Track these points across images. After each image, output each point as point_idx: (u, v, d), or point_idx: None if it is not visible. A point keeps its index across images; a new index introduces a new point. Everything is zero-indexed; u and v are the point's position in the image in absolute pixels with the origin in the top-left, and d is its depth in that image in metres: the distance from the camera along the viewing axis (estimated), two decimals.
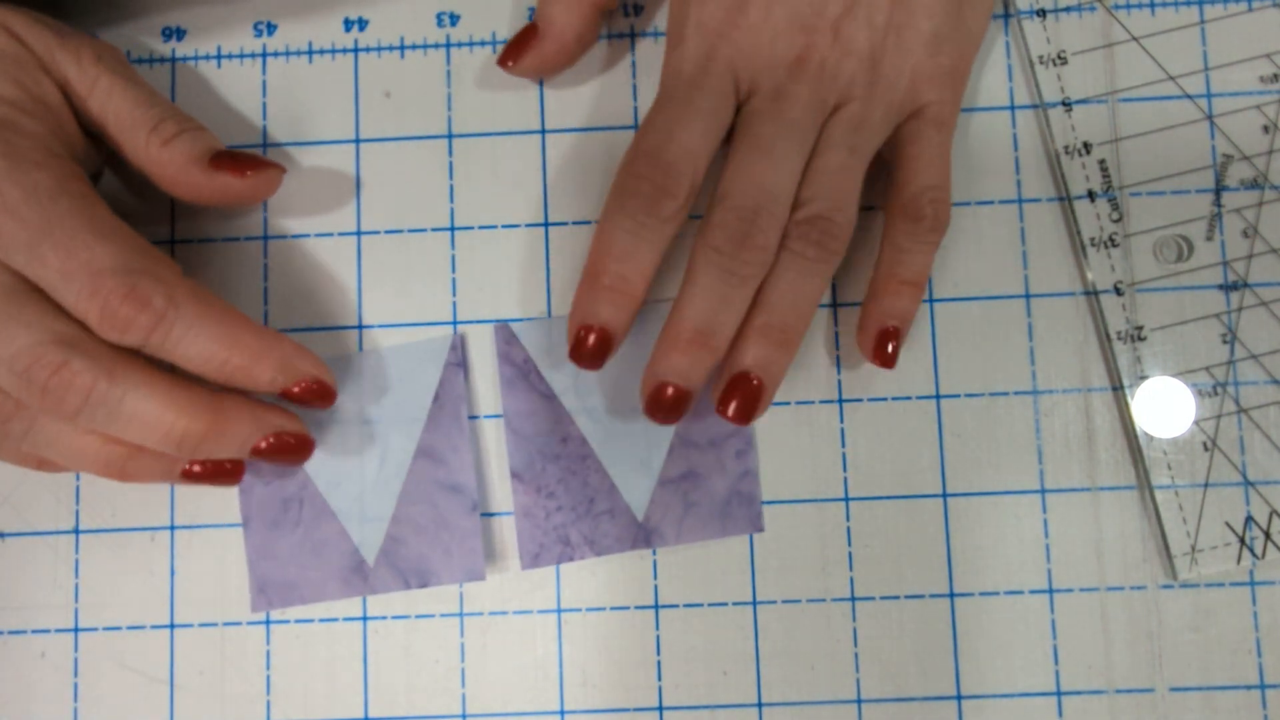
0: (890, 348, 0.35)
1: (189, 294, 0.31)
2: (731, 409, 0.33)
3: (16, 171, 0.31)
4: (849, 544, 0.37)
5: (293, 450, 0.34)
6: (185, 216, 0.38)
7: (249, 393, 0.34)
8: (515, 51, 0.37)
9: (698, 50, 0.35)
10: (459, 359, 0.37)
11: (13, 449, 0.34)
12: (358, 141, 0.38)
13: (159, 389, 0.31)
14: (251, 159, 0.35)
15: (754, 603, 0.37)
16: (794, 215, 0.34)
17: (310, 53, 0.39)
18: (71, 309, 0.30)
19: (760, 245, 0.33)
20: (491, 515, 0.37)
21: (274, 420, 0.33)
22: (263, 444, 0.33)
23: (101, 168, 0.37)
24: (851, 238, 0.34)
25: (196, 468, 0.33)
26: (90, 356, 0.30)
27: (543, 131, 0.38)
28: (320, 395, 0.34)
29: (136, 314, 0.30)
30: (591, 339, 0.33)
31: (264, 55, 0.39)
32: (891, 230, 0.35)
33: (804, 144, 0.34)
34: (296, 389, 0.33)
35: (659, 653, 0.37)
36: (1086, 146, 0.37)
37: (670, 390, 0.33)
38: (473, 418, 0.37)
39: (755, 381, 0.33)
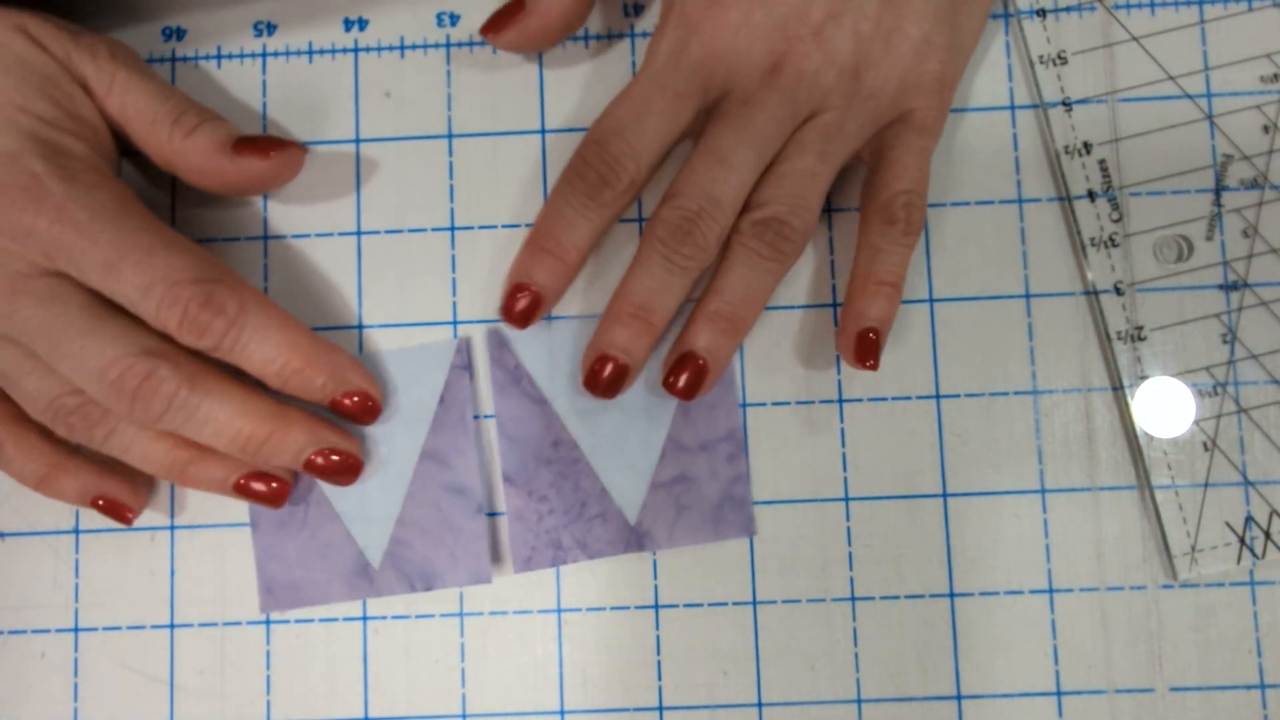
0: (870, 350, 0.35)
1: (256, 301, 0.33)
2: (680, 384, 0.35)
3: (78, 194, 0.32)
4: (849, 544, 0.37)
5: (341, 468, 0.35)
6: (185, 216, 0.38)
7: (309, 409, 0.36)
8: (499, 24, 0.37)
9: (673, 43, 0.35)
10: (465, 362, 0.37)
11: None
12: (358, 141, 0.38)
13: (232, 396, 0.33)
14: (273, 141, 0.36)
15: (754, 603, 0.37)
16: (750, 214, 0.35)
17: (310, 53, 0.39)
18: (151, 319, 0.32)
19: (699, 245, 0.34)
20: (492, 515, 0.37)
21: (330, 436, 0.35)
22: (317, 458, 0.35)
23: (120, 165, 0.37)
24: (821, 237, 0.35)
25: (248, 481, 0.35)
26: (174, 365, 0.32)
27: (543, 131, 0.38)
28: (367, 410, 0.35)
29: (213, 319, 0.32)
30: (523, 299, 0.35)
31: (264, 55, 0.39)
32: (867, 232, 0.35)
33: (764, 152, 0.34)
34: (345, 400, 0.35)
35: (659, 653, 0.37)
36: (1086, 146, 0.37)
37: (610, 365, 0.35)
38: (477, 417, 0.37)
39: (701, 362, 0.35)
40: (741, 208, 0.35)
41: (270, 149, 0.36)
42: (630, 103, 0.35)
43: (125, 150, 0.37)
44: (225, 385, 0.33)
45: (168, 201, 0.38)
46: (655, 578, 0.37)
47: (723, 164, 0.34)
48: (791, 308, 0.37)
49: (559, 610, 0.37)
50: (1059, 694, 0.36)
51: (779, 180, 0.34)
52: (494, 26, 0.37)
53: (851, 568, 0.37)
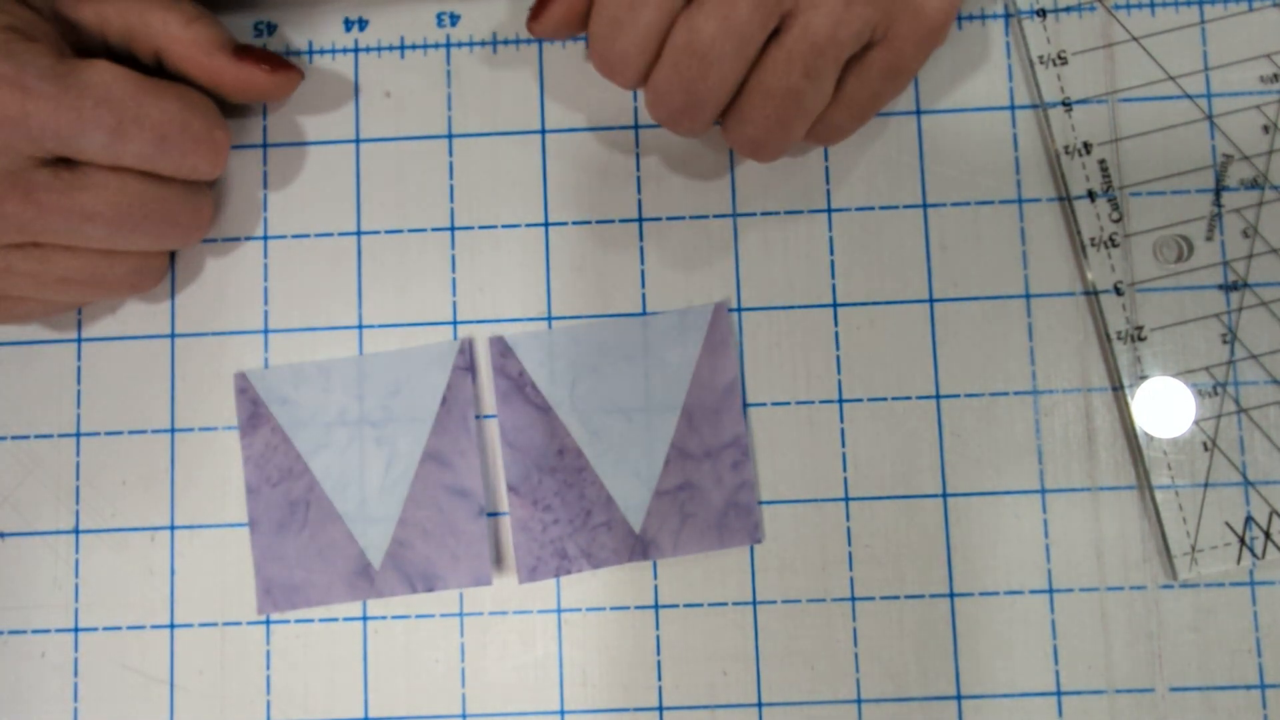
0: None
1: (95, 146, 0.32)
2: None
3: None
4: (849, 544, 0.37)
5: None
6: None
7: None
8: (541, 4, 0.33)
9: None
10: (467, 363, 0.37)
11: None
12: (358, 141, 0.38)
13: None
14: (275, 57, 0.36)
15: (754, 603, 0.37)
16: (726, 133, 0.34)
17: (310, 53, 0.39)
18: None
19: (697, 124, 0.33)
20: (494, 515, 0.37)
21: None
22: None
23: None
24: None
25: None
26: None
27: (543, 131, 0.38)
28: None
29: (35, 216, 0.32)
30: None
31: None
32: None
33: (746, 50, 0.31)
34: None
35: (659, 653, 0.37)
36: (1086, 146, 0.37)
37: None
38: (479, 418, 0.37)
39: None
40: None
41: (273, 64, 0.35)
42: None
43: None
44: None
45: None
46: (655, 578, 0.37)
47: (702, 60, 0.31)
48: (791, 308, 0.37)
49: (559, 610, 0.37)
50: (1059, 694, 0.36)
51: (762, 98, 0.32)
52: (535, 11, 0.34)
53: (851, 568, 0.37)
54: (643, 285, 0.38)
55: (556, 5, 0.33)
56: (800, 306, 0.37)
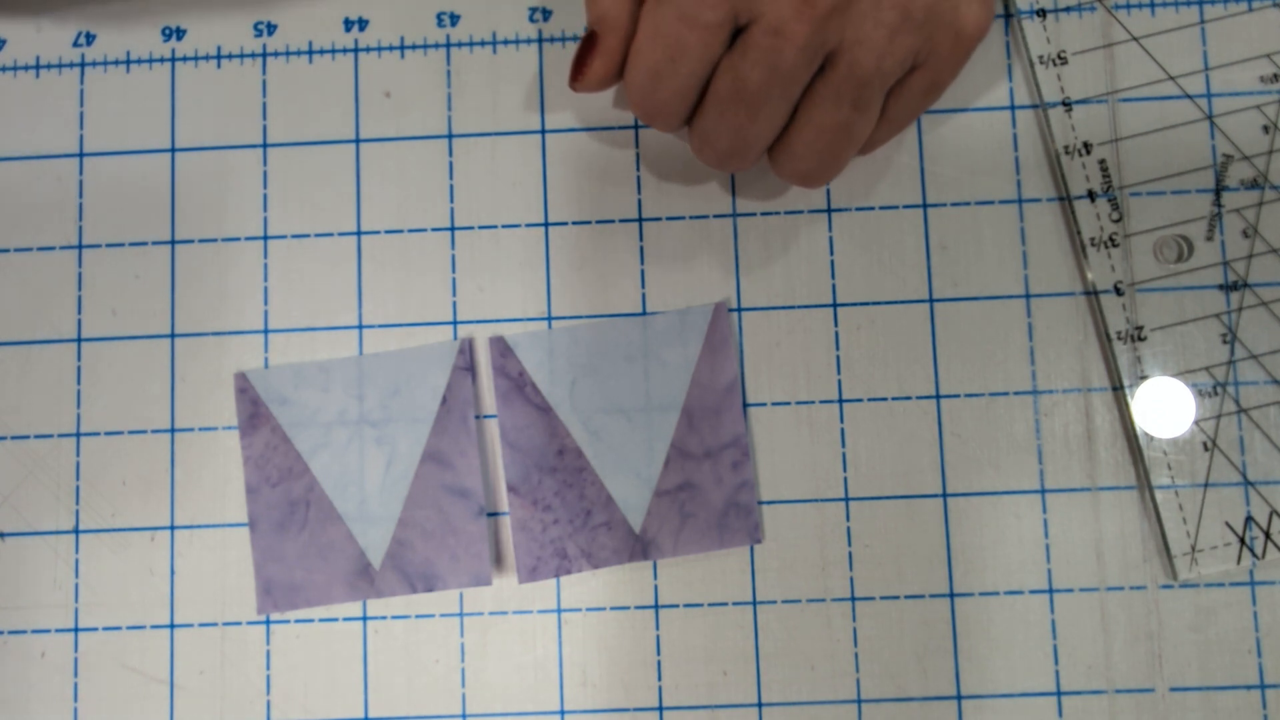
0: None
1: None
2: None
3: None
4: (849, 544, 0.37)
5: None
6: (185, 216, 0.38)
7: None
8: (580, 63, 0.33)
9: None
10: (467, 363, 0.37)
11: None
12: (358, 141, 0.38)
13: None
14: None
15: (754, 603, 0.37)
16: (777, 166, 0.34)
17: (310, 53, 0.39)
18: None
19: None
20: (494, 515, 0.37)
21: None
22: None
23: None
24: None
25: None
26: None
27: (543, 131, 0.38)
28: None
29: None
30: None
31: (264, 55, 0.39)
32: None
33: (791, 93, 0.32)
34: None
35: (659, 653, 0.37)
36: (1086, 146, 0.37)
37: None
38: (478, 417, 0.37)
39: None
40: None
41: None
42: (662, 44, 0.31)
43: None
44: None
45: (166, 202, 0.38)
46: (655, 578, 0.37)
47: (750, 106, 0.32)
48: (791, 308, 0.37)
49: (559, 610, 0.37)
50: (1059, 694, 0.36)
51: (813, 133, 0.33)
52: (576, 70, 0.34)
53: (851, 568, 0.37)
54: (643, 285, 0.38)
55: (596, 63, 0.33)
56: (800, 306, 0.37)
